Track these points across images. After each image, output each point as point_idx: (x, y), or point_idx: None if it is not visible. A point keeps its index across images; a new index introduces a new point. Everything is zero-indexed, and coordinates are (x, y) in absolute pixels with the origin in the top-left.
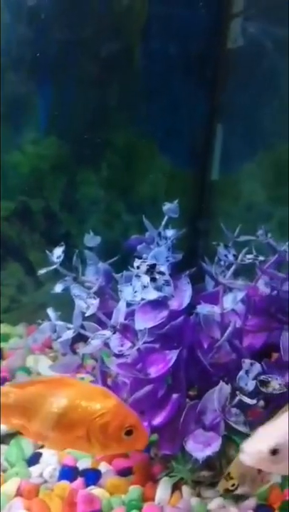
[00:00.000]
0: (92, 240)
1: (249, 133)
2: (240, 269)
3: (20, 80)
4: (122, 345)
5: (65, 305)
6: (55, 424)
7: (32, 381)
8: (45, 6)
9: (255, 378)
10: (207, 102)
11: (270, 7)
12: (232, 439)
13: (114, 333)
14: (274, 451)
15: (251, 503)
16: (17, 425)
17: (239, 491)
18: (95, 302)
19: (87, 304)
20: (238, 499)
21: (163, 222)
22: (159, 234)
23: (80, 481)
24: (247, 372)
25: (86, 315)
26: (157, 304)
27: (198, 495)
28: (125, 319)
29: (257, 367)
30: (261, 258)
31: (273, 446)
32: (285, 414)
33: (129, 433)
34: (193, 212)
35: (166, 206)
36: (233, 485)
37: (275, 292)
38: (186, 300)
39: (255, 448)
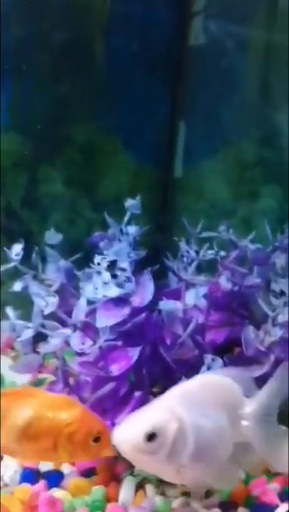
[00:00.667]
0: (53, 237)
1: (211, 130)
2: (204, 265)
3: None
4: (83, 344)
5: (27, 304)
6: (21, 437)
7: None
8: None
9: None
10: (169, 98)
11: (231, 5)
12: None
13: (74, 331)
14: (150, 436)
15: (215, 500)
16: None
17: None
18: (54, 300)
19: (46, 302)
20: (202, 497)
21: (125, 219)
22: (121, 230)
23: (42, 483)
24: (209, 367)
25: (45, 313)
26: (119, 301)
27: (162, 493)
28: (87, 317)
29: (218, 362)
30: (223, 254)
31: (150, 430)
32: (163, 396)
33: (96, 440)
34: (156, 209)
35: (129, 202)
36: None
37: (237, 287)
38: (148, 296)
39: (128, 434)
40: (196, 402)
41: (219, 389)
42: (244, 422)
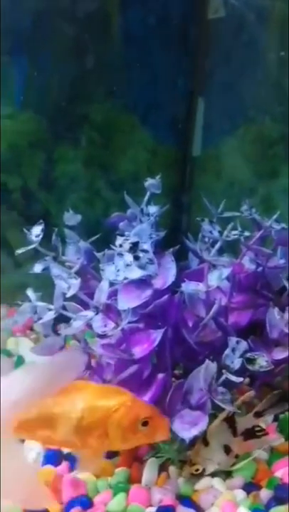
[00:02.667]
0: (72, 218)
1: (231, 106)
2: (225, 246)
3: None
4: (105, 326)
5: (47, 285)
6: (76, 429)
7: None
8: None
9: (241, 356)
10: (188, 74)
11: None
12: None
13: (96, 313)
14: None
15: (238, 481)
16: (42, 437)
17: (211, 470)
18: (76, 282)
19: (67, 284)
20: (226, 478)
21: (145, 199)
22: (142, 211)
23: (64, 465)
24: (233, 350)
25: (67, 296)
26: (141, 283)
27: (186, 475)
28: (108, 299)
29: (243, 344)
30: (247, 234)
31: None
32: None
33: (145, 424)
34: (175, 188)
35: (148, 182)
36: (196, 470)
37: (261, 269)
38: (171, 278)
39: None
40: None
41: None
42: None
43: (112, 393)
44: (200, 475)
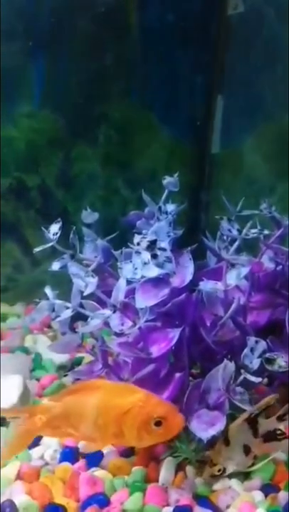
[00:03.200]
0: (89, 216)
1: (250, 104)
2: (242, 244)
3: (13, 52)
4: (122, 324)
5: (64, 283)
6: (94, 426)
7: (67, 391)
8: None
9: (260, 356)
10: (207, 71)
11: None
12: (236, 418)
13: (114, 312)
14: None
15: (257, 482)
16: (65, 434)
17: (230, 470)
18: (94, 280)
19: (85, 282)
20: (244, 479)
21: (163, 197)
22: (160, 208)
23: (81, 462)
24: (252, 350)
25: (84, 294)
26: (158, 282)
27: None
28: (126, 297)
29: (262, 344)
30: (266, 232)
31: None
32: None
33: (158, 424)
34: (193, 186)
35: (166, 180)
36: (219, 470)
37: (280, 267)
38: (189, 277)
39: None
40: None
41: None
42: None
43: (126, 392)
44: (221, 475)
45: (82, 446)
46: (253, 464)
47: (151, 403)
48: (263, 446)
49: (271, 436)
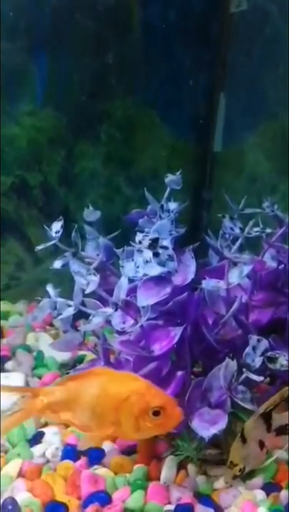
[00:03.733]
0: (91, 214)
1: (253, 102)
2: (245, 243)
3: (15, 50)
4: (124, 323)
5: (66, 281)
6: (91, 414)
7: (71, 376)
8: None
9: (262, 355)
10: (209, 69)
11: None
12: (238, 416)
13: (116, 310)
14: None
15: (258, 481)
16: (65, 420)
17: (248, 469)
18: (95, 279)
19: (87, 280)
20: (246, 478)
21: (165, 195)
22: (162, 207)
23: (83, 460)
24: (254, 348)
25: (86, 292)
26: (160, 280)
27: (205, 473)
28: (127, 296)
29: (264, 343)
30: (268, 230)
31: None
32: None
33: (156, 413)
34: (195, 184)
35: (169, 178)
36: (239, 470)
37: (282, 266)
38: (191, 275)
39: None
40: None
41: None
42: None
43: (126, 380)
44: (241, 474)
45: (79, 442)
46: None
47: (150, 392)
48: (274, 439)
49: (283, 431)
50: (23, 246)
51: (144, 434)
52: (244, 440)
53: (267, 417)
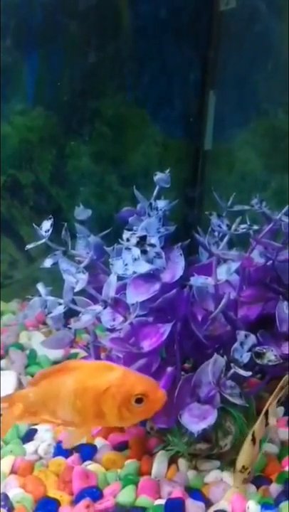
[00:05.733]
0: (82, 212)
1: (243, 99)
2: (235, 240)
3: (6, 49)
4: (113, 320)
5: (59, 280)
6: (72, 409)
7: (42, 374)
8: None
9: (250, 350)
10: (199, 67)
11: None
12: (228, 411)
13: (105, 307)
14: None
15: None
16: (44, 420)
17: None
18: (84, 277)
19: (76, 278)
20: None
21: (154, 193)
22: (150, 205)
23: (75, 456)
24: (242, 344)
25: (75, 290)
26: (149, 277)
27: (195, 468)
28: (117, 293)
29: (252, 338)
30: (255, 227)
31: None
32: None
33: (139, 401)
34: (186, 182)
35: (158, 176)
36: (248, 473)
37: (270, 262)
38: (179, 272)
39: None
40: None
41: None
42: None
43: (103, 371)
44: (250, 478)
45: (65, 438)
46: None
47: (130, 380)
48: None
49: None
50: (16, 245)
51: (130, 421)
52: (254, 441)
53: (266, 413)
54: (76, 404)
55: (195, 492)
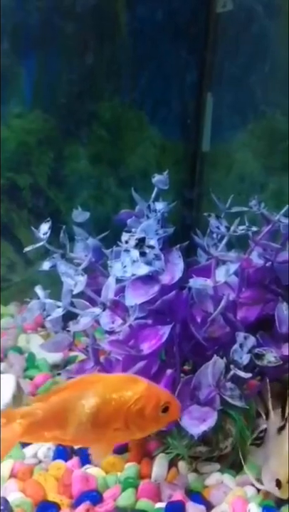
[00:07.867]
0: (80, 215)
1: (240, 101)
2: (234, 241)
3: (3, 52)
4: (112, 322)
5: (58, 282)
6: (92, 424)
7: (53, 391)
8: None
9: (249, 351)
10: (196, 69)
11: None
12: (228, 413)
13: (104, 310)
14: None
15: (249, 477)
16: (50, 438)
17: None
18: (83, 279)
19: (74, 281)
20: (236, 474)
21: (153, 195)
22: (149, 207)
23: (75, 460)
24: (241, 345)
25: (74, 292)
26: (148, 279)
27: (195, 470)
28: (116, 295)
29: (251, 340)
30: (254, 229)
31: None
32: None
33: (165, 410)
34: (185, 184)
35: (156, 178)
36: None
37: (269, 263)
38: (178, 274)
39: None
40: None
41: None
42: None
43: (127, 383)
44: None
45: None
46: None
47: (155, 391)
48: None
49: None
50: (15, 248)
51: (149, 432)
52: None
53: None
54: (97, 419)
55: (195, 495)
